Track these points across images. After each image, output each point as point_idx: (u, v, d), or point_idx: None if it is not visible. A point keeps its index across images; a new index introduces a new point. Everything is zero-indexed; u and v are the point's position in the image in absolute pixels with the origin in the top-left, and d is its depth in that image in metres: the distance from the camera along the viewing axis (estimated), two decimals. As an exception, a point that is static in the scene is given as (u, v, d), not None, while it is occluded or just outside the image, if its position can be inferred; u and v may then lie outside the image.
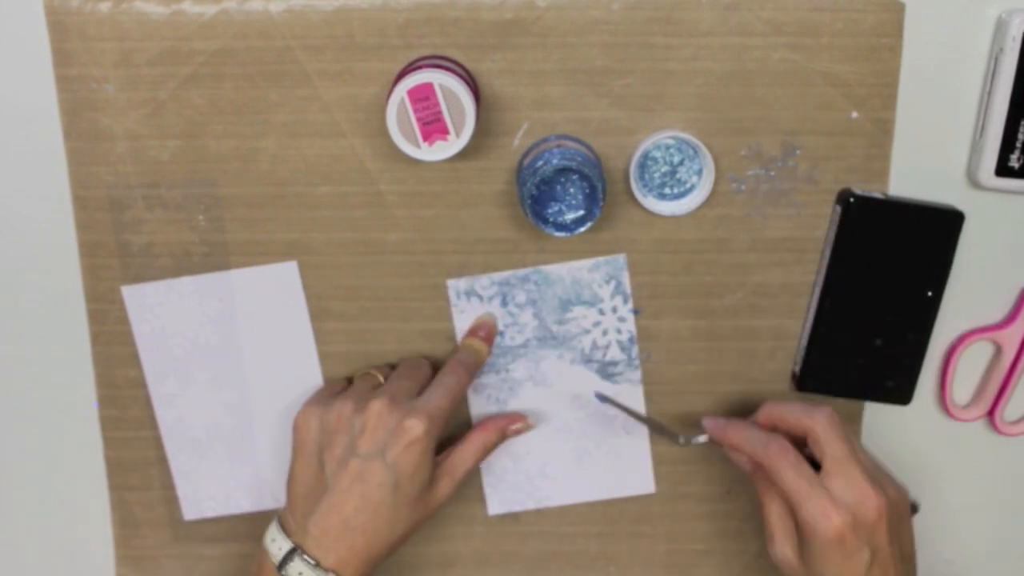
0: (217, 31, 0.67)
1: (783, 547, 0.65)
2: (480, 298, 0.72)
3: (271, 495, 0.76)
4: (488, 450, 0.71)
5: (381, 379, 0.71)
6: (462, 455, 0.70)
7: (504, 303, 0.73)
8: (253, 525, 0.77)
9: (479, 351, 0.72)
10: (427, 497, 0.67)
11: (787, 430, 0.67)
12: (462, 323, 0.73)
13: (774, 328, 0.73)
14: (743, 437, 0.67)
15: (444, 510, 0.69)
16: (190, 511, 0.77)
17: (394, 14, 0.66)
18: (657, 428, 0.73)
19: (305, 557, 0.65)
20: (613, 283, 0.72)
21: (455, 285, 0.72)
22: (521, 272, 0.72)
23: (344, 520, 0.65)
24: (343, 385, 0.73)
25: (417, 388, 0.69)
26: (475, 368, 0.72)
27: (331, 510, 0.65)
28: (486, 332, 0.73)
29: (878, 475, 0.65)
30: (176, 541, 0.77)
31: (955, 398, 0.76)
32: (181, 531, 0.77)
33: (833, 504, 0.62)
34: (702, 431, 0.70)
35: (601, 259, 0.72)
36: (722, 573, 0.79)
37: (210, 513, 0.77)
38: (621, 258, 0.72)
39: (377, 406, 0.66)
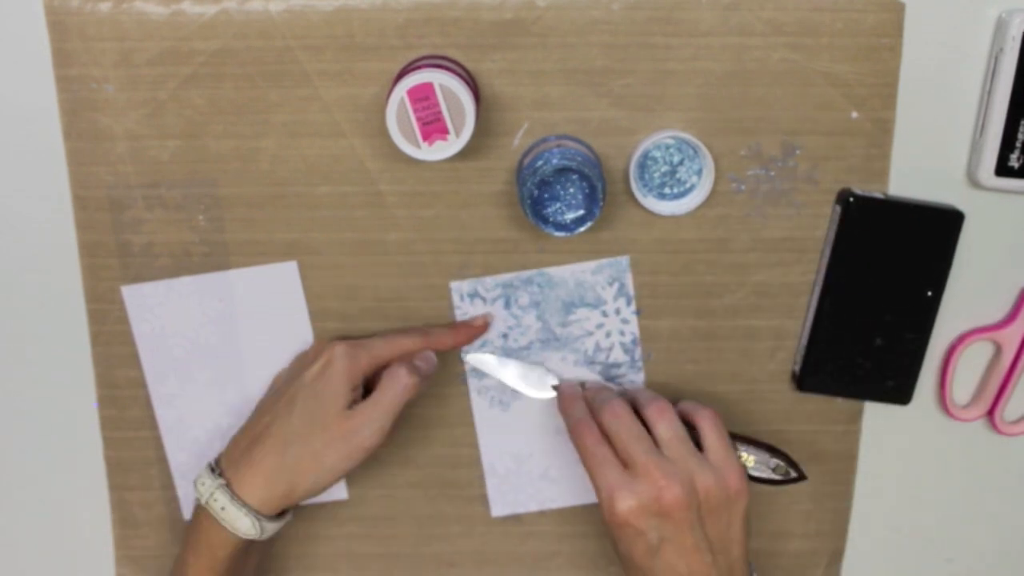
0: (217, 31, 0.67)
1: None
2: (483, 300, 0.72)
3: (271, 495, 0.76)
4: (407, 387, 0.68)
5: None
6: (385, 387, 0.68)
7: (507, 305, 0.73)
8: (253, 525, 0.77)
9: (442, 333, 0.72)
10: (347, 428, 0.67)
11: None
12: None
13: (774, 328, 0.73)
14: (565, 411, 0.70)
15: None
16: (190, 511, 0.77)
17: (394, 14, 0.66)
18: (522, 381, 0.74)
19: (219, 481, 0.67)
20: (616, 285, 0.72)
21: (458, 287, 0.72)
22: (524, 274, 0.72)
23: (255, 437, 0.67)
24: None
25: None
26: (437, 344, 0.71)
27: (247, 428, 0.69)
28: (478, 323, 0.73)
29: (686, 464, 0.64)
30: (176, 541, 0.77)
31: (955, 398, 0.76)
32: (181, 531, 0.77)
33: (619, 489, 0.63)
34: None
35: (604, 261, 0.72)
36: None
37: (210, 513, 0.77)
38: (624, 260, 0.72)
39: (327, 344, 0.69)
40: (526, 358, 0.74)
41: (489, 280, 0.72)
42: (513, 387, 0.74)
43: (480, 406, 0.75)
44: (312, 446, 0.66)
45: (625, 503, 0.63)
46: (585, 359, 0.74)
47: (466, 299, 0.72)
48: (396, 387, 0.68)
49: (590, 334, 0.73)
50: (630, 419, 0.66)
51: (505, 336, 0.73)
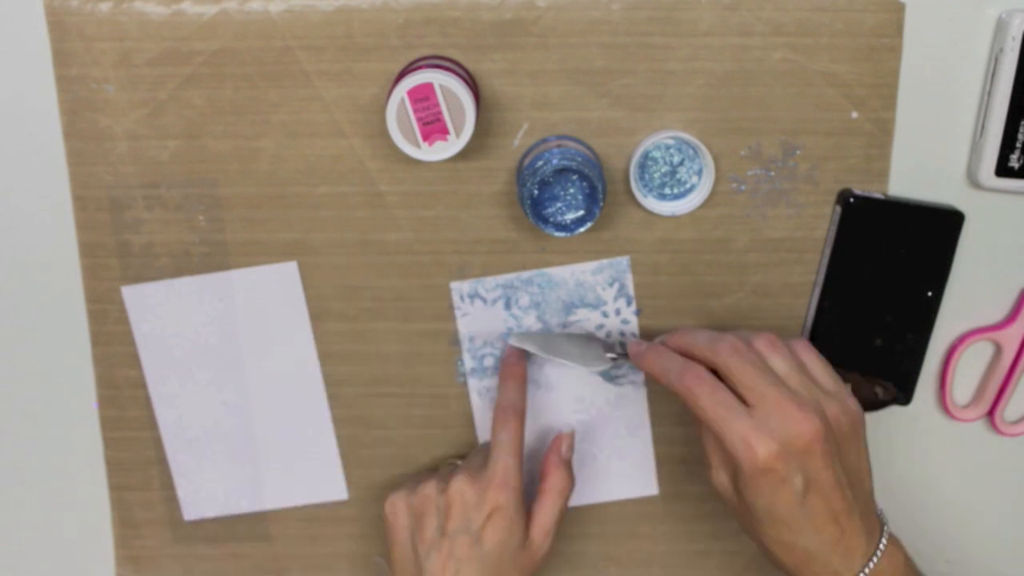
0: (217, 31, 0.67)
1: (719, 475, 0.62)
2: (484, 300, 0.72)
3: (270, 495, 0.76)
4: (565, 492, 0.69)
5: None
6: (544, 508, 0.69)
7: (508, 306, 0.73)
8: (253, 525, 0.77)
9: (518, 382, 0.71)
10: (523, 560, 0.67)
11: (702, 360, 0.63)
12: (465, 327, 0.73)
13: (774, 328, 0.73)
14: (660, 366, 0.64)
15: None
16: (190, 511, 0.77)
17: (394, 14, 0.66)
18: (577, 354, 0.71)
19: None
20: (616, 285, 0.72)
21: (458, 288, 0.72)
22: (525, 274, 0.72)
23: None
24: (428, 474, 0.73)
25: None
26: (521, 403, 0.70)
27: None
28: (515, 358, 0.72)
29: (812, 393, 0.61)
30: (176, 541, 0.77)
31: (955, 398, 0.76)
32: (181, 531, 0.77)
33: (756, 433, 0.58)
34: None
35: (604, 261, 0.72)
36: (722, 573, 0.79)
37: (210, 513, 0.77)
38: (624, 260, 0.72)
39: (457, 483, 0.67)
40: (527, 358, 0.73)
41: (489, 280, 0.72)
42: (565, 363, 0.70)
43: (480, 406, 0.75)
44: None
45: (766, 447, 0.58)
46: None
47: (466, 300, 0.72)
48: (559, 503, 0.68)
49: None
50: (749, 352, 0.61)
51: (505, 336, 0.73)
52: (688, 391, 0.62)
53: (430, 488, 0.68)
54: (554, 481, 0.69)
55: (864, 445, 0.63)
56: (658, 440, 0.76)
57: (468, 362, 0.74)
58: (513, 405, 0.70)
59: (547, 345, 0.71)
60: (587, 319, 0.73)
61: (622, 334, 0.73)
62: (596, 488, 0.77)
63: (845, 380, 0.65)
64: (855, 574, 0.61)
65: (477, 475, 0.68)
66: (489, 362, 0.74)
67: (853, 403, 0.62)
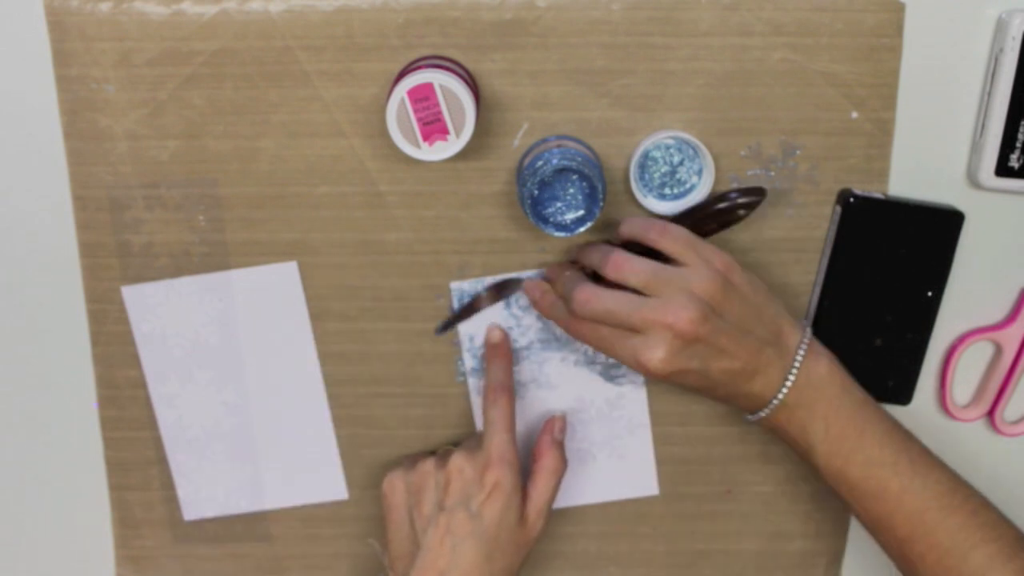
0: (217, 31, 0.67)
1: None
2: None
3: (270, 495, 0.76)
4: (558, 472, 0.70)
5: None
6: (538, 488, 0.69)
7: (508, 305, 0.73)
8: (253, 525, 0.77)
9: (504, 361, 0.72)
10: (519, 537, 0.67)
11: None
12: (465, 326, 0.73)
13: (774, 328, 0.73)
14: (553, 315, 0.69)
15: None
16: (190, 511, 0.77)
17: (394, 14, 0.66)
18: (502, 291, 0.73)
19: None
20: None
21: (458, 287, 0.72)
22: (525, 274, 0.72)
23: (440, 574, 0.65)
24: (426, 453, 0.73)
25: None
26: (508, 382, 0.71)
27: (426, 567, 0.66)
28: (499, 337, 0.73)
29: (673, 284, 0.64)
30: (176, 541, 0.77)
31: (955, 398, 0.76)
32: (181, 531, 0.77)
33: (641, 349, 0.63)
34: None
35: None
36: (722, 573, 0.79)
37: (210, 513, 0.77)
38: None
39: (456, 459, 0.68)
40: (527, 359, 0.74)
41: (489, 280, 0.72)
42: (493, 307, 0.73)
43: (479, 405, 0.75)
44: (491, 570, 0.66)
45: (654, 358, 0.63)
46: (586, 359, 0.74)
47: (466, 299, 0.72)
48: (553, 483, 0.69)
49: None
50: (599, 294, 0.65)
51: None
52: (579, 336, 0.67)
53: (428, 464, 0.69)
54: (547, 461, 0.70)
55: (747, 285, 0.66)
56: (658, 440, 0.76)
57: (468, 361, 0.74)
58: (501, 384, 0.71)
59: (466, 312, 0.73)
60: None
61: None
62: (596, 488, 0.77)
63: (716, 207, 0.68)
64: (775, 392, 0.65)
65: (475, 453, 0.68)
66: None
67: (717, 258, 0.65)
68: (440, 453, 0.71)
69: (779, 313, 0.67)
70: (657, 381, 0.66)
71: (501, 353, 0.73)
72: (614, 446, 0.76)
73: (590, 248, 0.69)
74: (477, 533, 0.65)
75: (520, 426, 0.74)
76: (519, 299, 0.72)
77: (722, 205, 0.68)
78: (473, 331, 0.73)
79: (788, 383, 0.65)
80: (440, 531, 0.66)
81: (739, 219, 0.69)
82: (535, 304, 0.71)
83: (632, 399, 0.75)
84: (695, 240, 0.66)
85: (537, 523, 0.68)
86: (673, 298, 0.63)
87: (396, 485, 0.70)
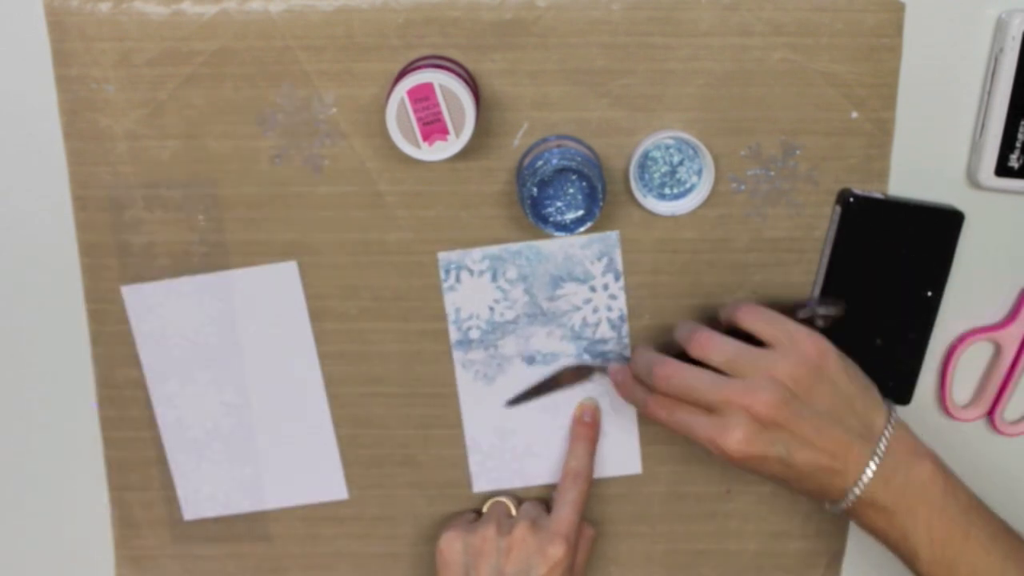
0: (217, 31, 0.67)
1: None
2: (471, 272, 0.72)
3: (271, 495, 0.76)
4: (593, 538, 0.73)
5: (510, 505, 0.75)
6: (579, 561, 0.71)
7: (495, 278, 0.72)
8: (253, 525, 0.77)
9: (590, 445, 0.74)
10: None
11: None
12: (451, 302, 0.72)
13: (774, 328, 0.73)
14: (631, 399, 0.69)
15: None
16: (190, 511, 0.77)
17: (394, 14, 0.66)
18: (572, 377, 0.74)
19: None
20: (605, 260, 0.72)
21: (446, 258, 0.72)
22: (513, 247, 0.72)
23: None
24: (476, 515, 0.75)
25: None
26: (590, 468, 0.73)
27: None
28: (591, 417, 0.74)
29: (758, 366, 0.62)
30: (176, 541, 0.77)
31: (955, 398, 0.76)
32: (181, 531, 0.77)
33: (717, 431, 0.62)
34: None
35: (594, 235, 0.71)
36: (722, 573, 0.79)
37: (210, 513, 0.77)
38: (613, 235, 0.71)
39: (521, 530, 0.69)
40: (513, 332, 0.73)
41: (477, 252, 0.72)
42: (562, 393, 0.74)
43: (465, 379, 0.75)
44: None
45: (732, 440, 0.61)
46: (572, 334, 0.74)
47: (452, 272, 0.72)
48: (589, 549, 0.72)
49: (577, 309, 0.73)
50: (681, 371, 0.64)
51: (492, 309, 0.73)
52: (656, 418, 0.66)
53: (490, 531, 0.70)
54: (585, 530, 0.73)
55: (841, 372, 0.63)
56: (658, 439, 0.76)
57: (453, 334, 0.74)
58: (583, 470, 0.73)
59: (543, 388, 0.74)
60: (575, 293, 0.73)
61: (609, 310, 0.73)
62: None
63: (796, 316, 0.67)
64: (858, 483, 0.63)
65: (539, 525, 0.70)
66: (475, 334, 0.74)
67: (810, 343, 0.63)
68: (494, 512, 0.73)
69: (871, 404, 0.64)
70: (738, 467, 0.63)
71: (589, 436, 0.74)
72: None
73: (680, 324, 0.68)
74: None
75: (503, 404, 0.75)
76: (505, 272, 0.72)
77: (801, 314, 0.68)
78: (460, 303, 0.73)
79: (870, 471, 0.62)
80: None
81: (817, 328, 0.67)
82: (617, 387, 0.70)
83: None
84: (787, 322, 0.65)
85: None
86: (754, 380, 0.62)
87: (454, 545, 0.70)
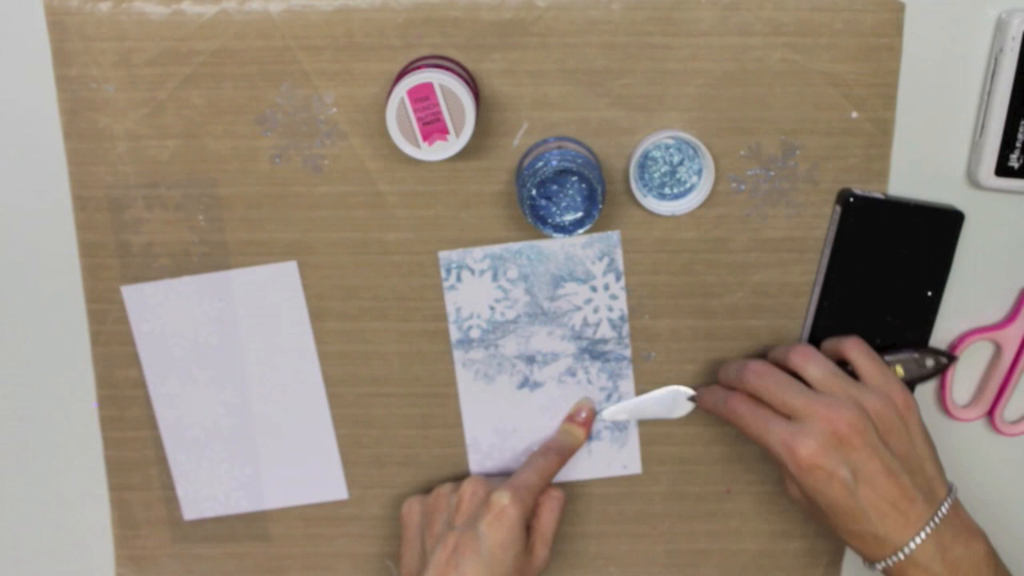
0: (217, 31, 0.67)
1: (791, 487, 0.66)
2: (472, 271, 0.72)
3: (270, 495, 0.76)
4: (562, 500, 0.71)
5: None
6: (543, 520, 0.70)
7: (495, 277, 0.72)
8: (253, 525, 0.77)
9: (576, 436, 0.74)
10: (524, 566, 0.68)
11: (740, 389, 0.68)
12: (451, 302, 0.73)
13: (774, 328, 0.73)
14: (711, 402, 0.70)
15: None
16: (190, 511, 0.77)
17: (394, 14, 0.66)
18: (663, 410, 0.75)
19: None
20: (606, 260, 0.72)
21: (447, 257, 0.72)
22: (514, 246, 0.72)
23: None
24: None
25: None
26: (569, 453, 0.73)
27: None
28: (586, 415, 0.75)
29: (849, 392, 0.64)
30: (176, 541, 0.77)
31: (955, 398, 0.76)
32: (181, 531, 0.77)
33: (793, 435, 0.63)
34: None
35: (595, 235, 0.71)
36: (722, 573, 0.79)
37: (210, 513, 0.77)
38: (615, 235, 0.71)
39: (471, 484, 0.69)
40: (513, 332, 0.73)
41: (478, 251, 0.72)
42: (654, 418, 0.75)
43: (465, 378, 0.75)
44: None
45: (804, 447, 0.62)
46: (572, 334, 0.74)
47: (453, 271, 0.72)
48: (557, 511, 0.70)
49: (578, 309, 0.73)
50: (774, 372, 0.66)
51: (492, 309, 0.73)
52: (732, 414, 0.67)
53: (445, 488, 0.71)
54: (551, 491, 0.71)
55: (920, 431, 0.65)
56: (657, 440, 0.76)
57: (454, 334, 0.74)
58: (560, 449, 0.73)
59: (636, 411, 0.75)
60: (575, 293, 0.73)
61: (610, 310, 0.73)
62: (579, 464, 0.76)
63: (897, 362, 0.70)
64: (907, 543, 0.63)
65: (492, 481, 0.70)
66: (475, 334, 0.74)
67: (900, 393, 0.65)
68: (457, 481, 0.72)
69: (939, 471, 0.65)
70: (800, 480, 0.63)
71: (581, 423, 0.74)
72: (597, 423, 0.76)
73: (780, 346, 0.70)
74: (482, 553, 0.66)
75: (503, 403, 0.75)
76: (506, 271, 0.72)
77: (917, 376, 0.71)
78: (461, 302, 0.73)
79: (926, 532, 0.63)
80: (447, 550, 0.66)
81: (922, 380, 0.70)
82: (700, 402, 0.72)
83: (617, 375, 0.75)
84: (887, 370, 0.67)
85: (543, 553, 0.69)
86: (843, 400, 0.63)
87: (413, 507, 0.72)
